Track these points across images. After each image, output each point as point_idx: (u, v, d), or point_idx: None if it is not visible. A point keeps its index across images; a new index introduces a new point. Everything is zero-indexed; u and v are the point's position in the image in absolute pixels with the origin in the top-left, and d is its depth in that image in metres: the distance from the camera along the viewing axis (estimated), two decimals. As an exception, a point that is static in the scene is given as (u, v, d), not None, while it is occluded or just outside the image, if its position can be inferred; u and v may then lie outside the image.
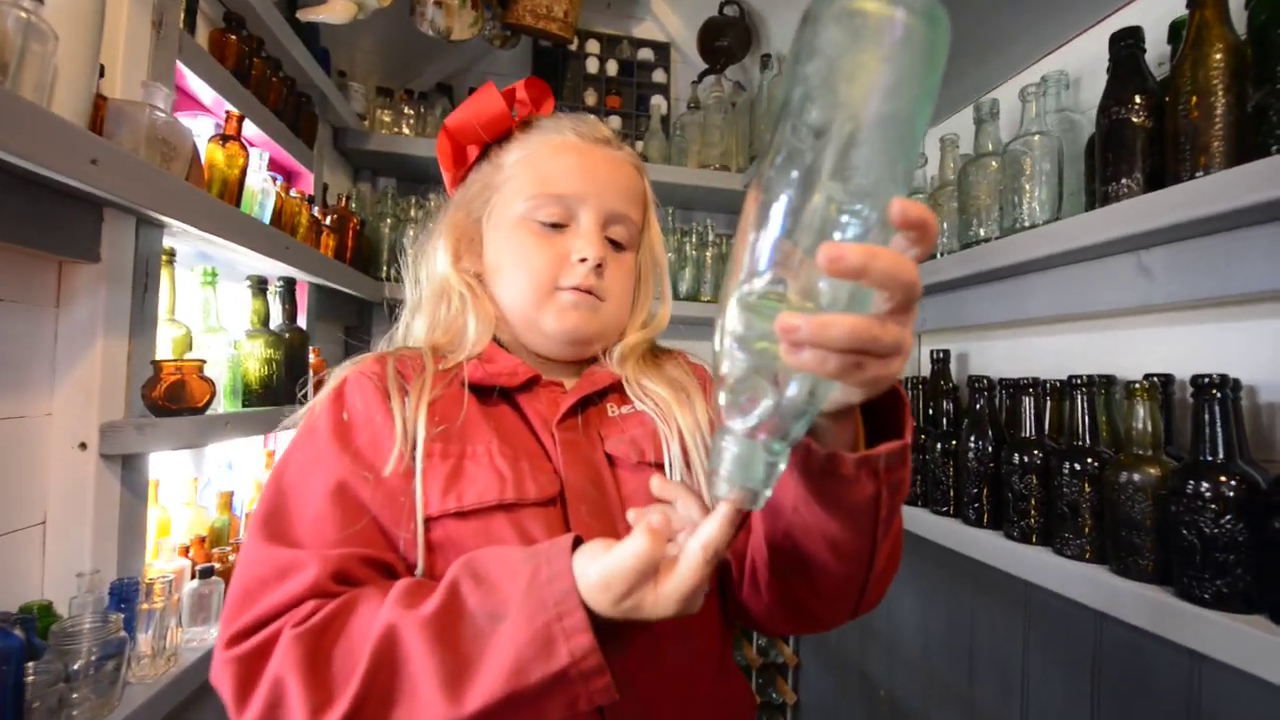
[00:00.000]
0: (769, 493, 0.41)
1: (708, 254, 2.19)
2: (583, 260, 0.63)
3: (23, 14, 0.70)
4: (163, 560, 1.07)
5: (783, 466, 0.41)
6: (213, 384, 1.04)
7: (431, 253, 0.70)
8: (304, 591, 0.48)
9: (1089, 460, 0.95)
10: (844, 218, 0.35)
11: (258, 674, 0.46)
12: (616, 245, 0.67)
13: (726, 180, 2.18)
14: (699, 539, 0.42)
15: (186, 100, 1.25)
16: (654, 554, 0.41)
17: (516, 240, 0.65)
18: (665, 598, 0.42)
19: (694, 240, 2.21)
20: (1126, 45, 0.94)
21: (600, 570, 0.42)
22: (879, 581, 0.53)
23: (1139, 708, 0.95)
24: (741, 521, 0.42)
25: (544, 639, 0.42)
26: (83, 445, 0.93)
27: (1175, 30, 0.95)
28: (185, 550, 1.11)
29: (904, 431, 0.44)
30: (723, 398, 0.39)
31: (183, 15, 1.09)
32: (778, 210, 0.36)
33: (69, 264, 0.92)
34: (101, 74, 0.90)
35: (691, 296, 2.15)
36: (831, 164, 0.35)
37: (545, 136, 0.67)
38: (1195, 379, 0.81)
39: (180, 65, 1.10)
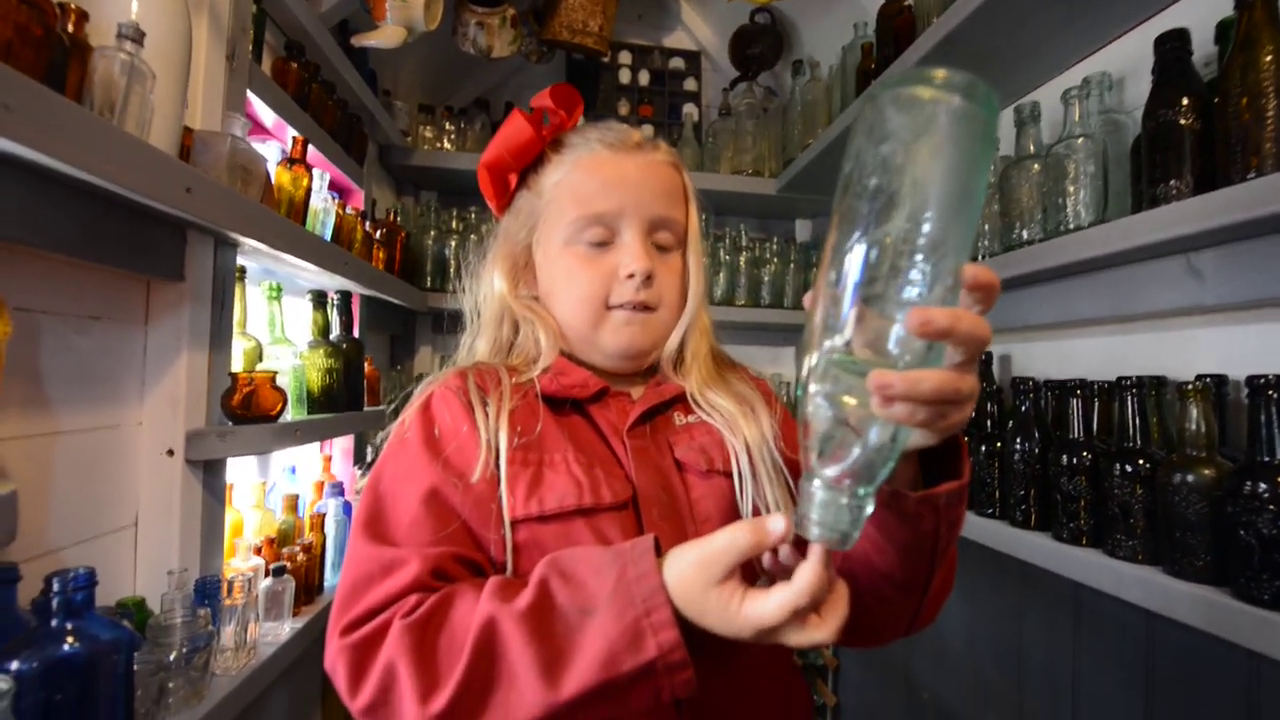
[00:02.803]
0: (857, 535, 0.42)
1: (741, 258, 2.21)
2: (630, 276, 0.64)
3: (126, 57, 0.76)
4: (239, 559, 1.13)
5: (869, 510, 0.43)
6: (284, 393, 1.10)
7: (488, 280, 0.72)
8: (408, 585, 0.53)
9: (1141, 462, 0.95)
10: (914, 279, 0.38)
11: (370, 659, 0.50)
12: (663, 249, 0.68)
13: (759, 185, 2.20)
14: (796, 583, 0.44)
15: (252, 125, 1.32)
16: (754, 540, 0.45)
17: (565, 265, 0.67)
18: (745, 618, 0.45)
19: (727, 244, 2.23)
20: (1173, 48, 0.94)
21: (699, 553, 0.47)
22: (933, 603, 0.57)
23: (1196, 709, 0.94)
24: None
25: (634, 633, 0.46)
26: (170, 452, 0.99)
27: (1223, 30, 0.95)
28: (258, 550, 1.17)
29: (962, 472, 0.48)
30: (812, 447, 0.42)
31: (250, 46, 1.16)
32: (853, 275, 0.39)
33: (157, 283, 0.99)
34: (184, 105, 0.96)
35: (726, 300, 2.18)
36: (900, 233, 0.38)
37: (576, 155, 0.67)
38: (1250, 380, 0.81)
39: (248, 93, 1.16)
